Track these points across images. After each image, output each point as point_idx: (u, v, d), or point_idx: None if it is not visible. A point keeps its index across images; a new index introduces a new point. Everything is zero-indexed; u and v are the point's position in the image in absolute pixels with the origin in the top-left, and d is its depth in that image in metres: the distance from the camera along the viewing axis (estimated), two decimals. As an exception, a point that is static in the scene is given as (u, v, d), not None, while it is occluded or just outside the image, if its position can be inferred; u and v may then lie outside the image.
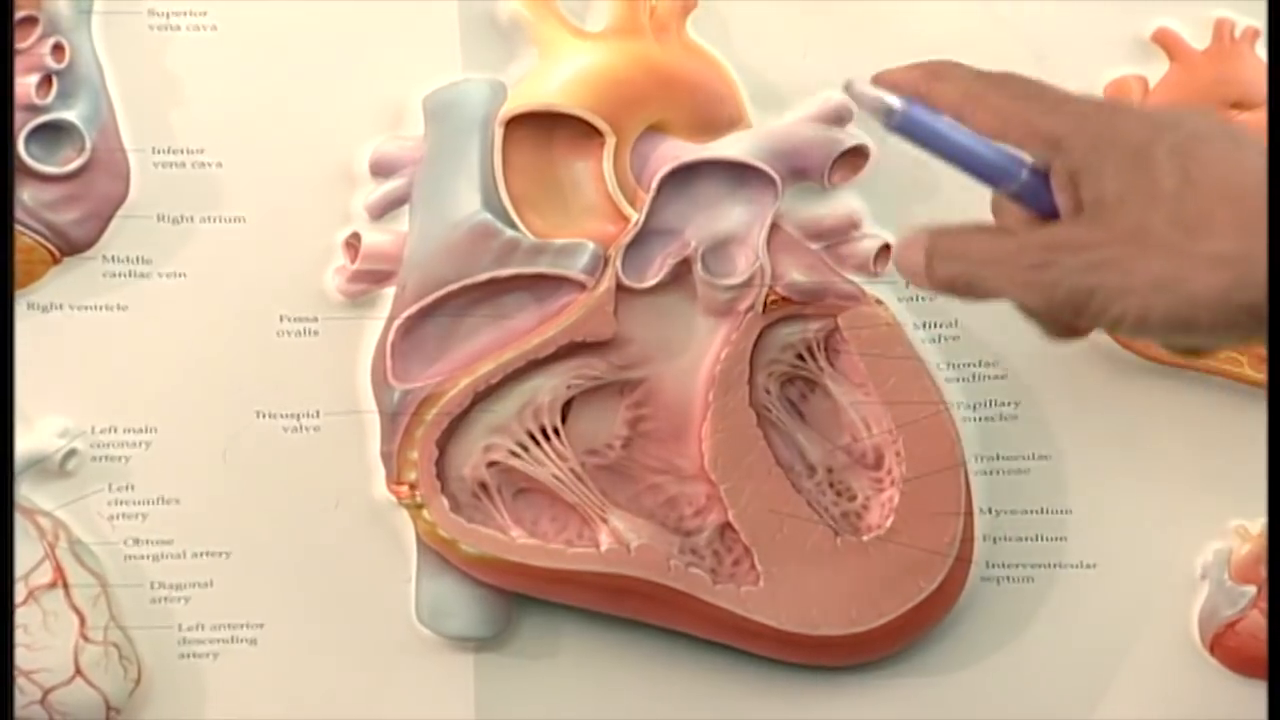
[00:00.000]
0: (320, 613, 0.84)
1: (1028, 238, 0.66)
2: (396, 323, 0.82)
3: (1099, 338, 0.85)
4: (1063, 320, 0.66)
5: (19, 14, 0.82)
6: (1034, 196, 0.69)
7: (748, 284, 0.83)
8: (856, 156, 0.84)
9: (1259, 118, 0.84)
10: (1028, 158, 0.68)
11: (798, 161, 0.84)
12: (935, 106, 0.69)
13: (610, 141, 0.83)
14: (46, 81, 0.82)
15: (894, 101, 0.70)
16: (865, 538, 0.83)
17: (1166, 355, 0.85)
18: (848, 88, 0.70)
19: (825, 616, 0.82)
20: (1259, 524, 0.84)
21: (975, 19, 0.85)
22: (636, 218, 0.83)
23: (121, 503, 0.84)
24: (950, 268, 0.67)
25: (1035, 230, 0.67)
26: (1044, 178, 0.68)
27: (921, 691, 0.85)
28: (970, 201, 0.85)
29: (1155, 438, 0.85)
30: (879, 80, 0.70)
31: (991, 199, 0.70)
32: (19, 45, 0.82)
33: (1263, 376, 0.84)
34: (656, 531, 0.83)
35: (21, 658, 0.81)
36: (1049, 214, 0.67)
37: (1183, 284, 0.62)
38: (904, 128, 0.70)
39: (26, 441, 0.83)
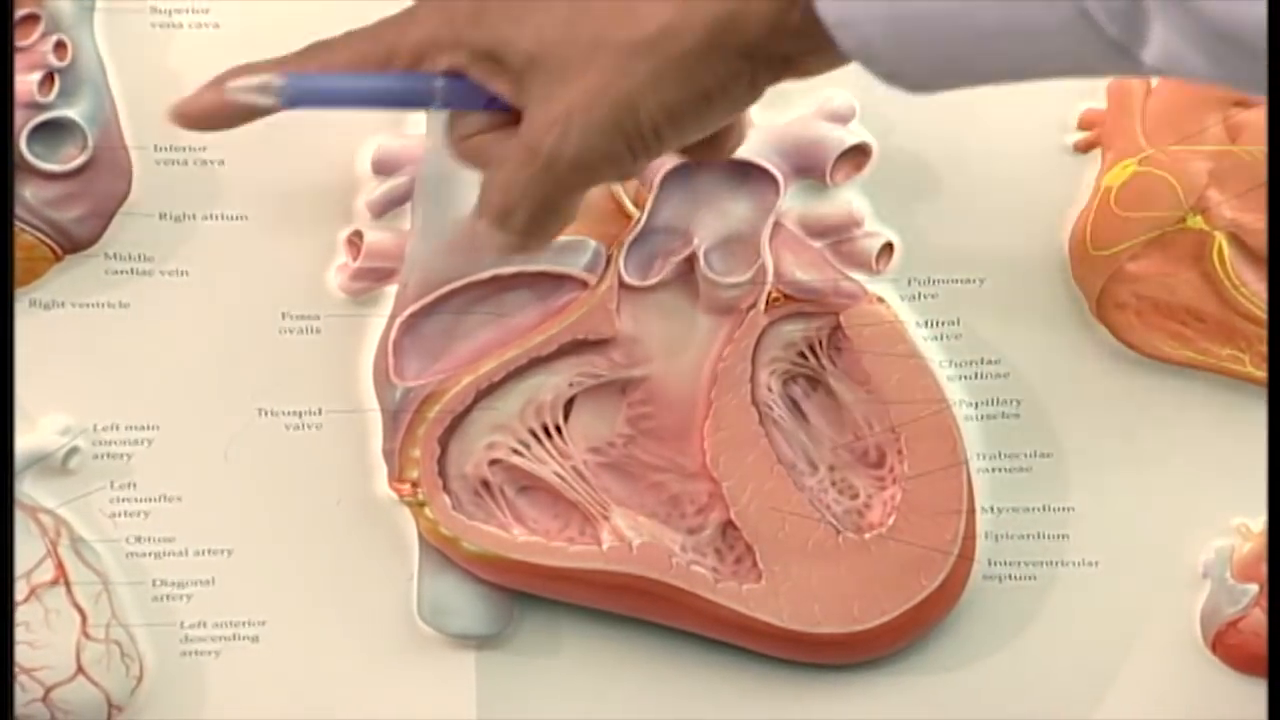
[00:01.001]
0: (322, 610, 0.84)
1: (523, 127, 0.64)
2: (398, 320, 0.82)
3: (1101, 336, 0.85)
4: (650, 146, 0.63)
5: (21, 11, 0.81)
6: (462, 99, 0.67)
7: (750, 282, 0.83)
8: (859, 154, 0.84)
9: (1260, 115, 0.84)
10: (431, 72, 0.66)
11: (800, 159, 0.84)
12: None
13: (612, 139, 0.83)
14: (48, 79, 0.82)
15: (274, 79, 0.68)
16: (867, 536, 0.83)
17: (1170, 353, 0.85)
18: (228, 92, 0.68)
19: (827, 614, 0.82)
20: (1261, 522, 0.84)
21: (977, 17, 0.85)
22: (639, 215, 0.83)
23: (123, 500, 0.84)
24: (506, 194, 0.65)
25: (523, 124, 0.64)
26: (460, 78, 0.66)
27: (924, 689, 0.85)
28: (970, 201, 0.85)
29: (1157, 435, 0.85)
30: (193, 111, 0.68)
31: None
32: (21, 43, 0.82)
33: (1264, 374, 0.84)
34: (658, 529, 0.83)
35: (23, 655, 0.81)
36: (485, 105, 0.66)
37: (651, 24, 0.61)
38: (296, 97, 0.68)
39: (28, 439, 0.83)
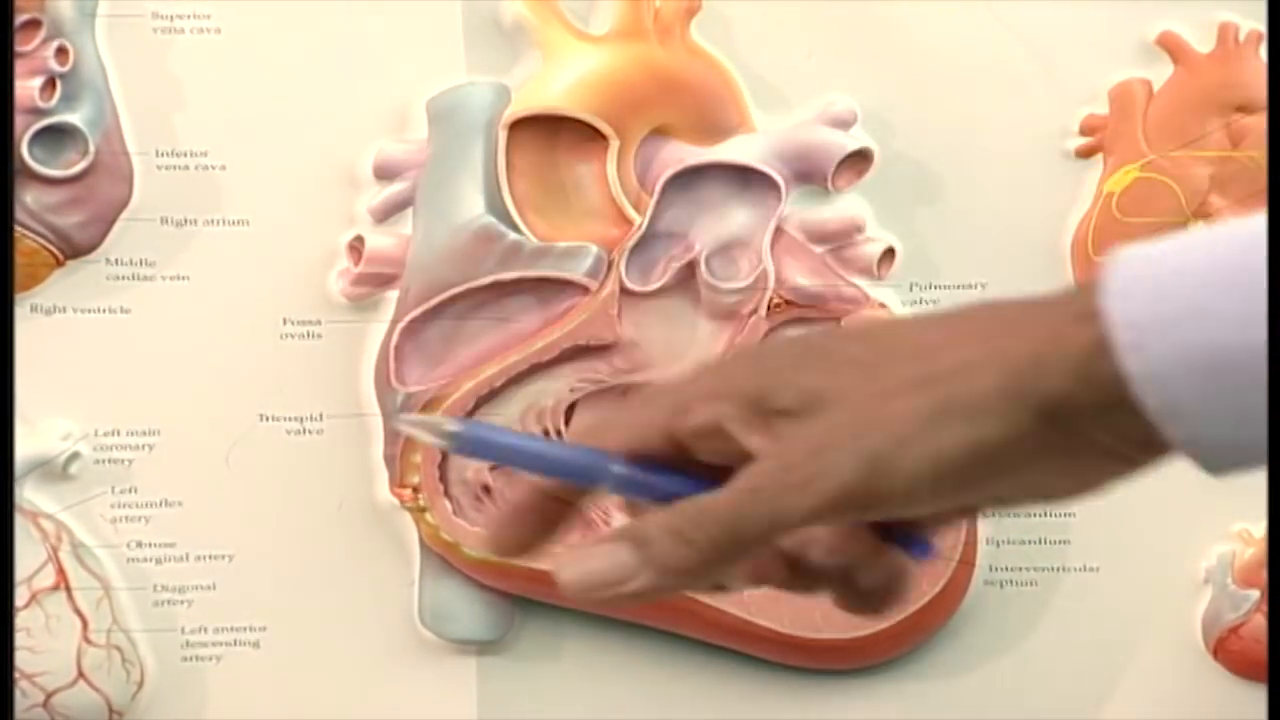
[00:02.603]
0: (323, 616, 0.84)
1: (751, 467, 0.55)
2: (400, 326, 0.82)
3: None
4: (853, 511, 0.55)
5: (23, 17, 0.81)
6: (633, 486, 0.60)
7: (751, 287, 0.83)
8: (860, 160, 0.84)
9: (1261, 121, 0.84)
10: (613, 455, 0.59)
11: (802, 165, 0.84)
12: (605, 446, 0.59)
13: (614, 145, 0.83)
14: (50, 84, 0.82)
15: (450, 425, 0.62)
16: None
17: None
18: (398, 422, 0.69)
19: (828, 620, 0.82)
20: (1262, 528, 0.84)
21: (978, 23, 0.85)
22: (640, 221, 0.83)
23: (124, 505, 0.84)
24: (683, 536, 0.56)
25: (750, 463, 0.55)
26: (639, 465, 0.59)
27: (925, 695, 0.85)
28: (972, 206, 0.85)
29: (1159, 442, 0.85)
30: None
31: None
32: (23, 48, 0.81)
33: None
34: (659, 535, 0.83)
35: (24, 660, 0.81)
36: (660, 498, 0.58)
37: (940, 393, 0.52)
38: (467, 447, 0.63)
39: (29, 444, 0.83)
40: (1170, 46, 0.85)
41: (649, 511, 0.58)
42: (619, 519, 0.81)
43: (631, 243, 0.83)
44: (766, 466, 0.54)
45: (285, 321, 0.84)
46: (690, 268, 0.83)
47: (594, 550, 0.57)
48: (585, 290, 0.82)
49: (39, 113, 0.82)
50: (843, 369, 0.55)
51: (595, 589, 0.57)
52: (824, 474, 0.53)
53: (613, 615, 0.83)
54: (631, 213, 0.83)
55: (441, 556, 0.83)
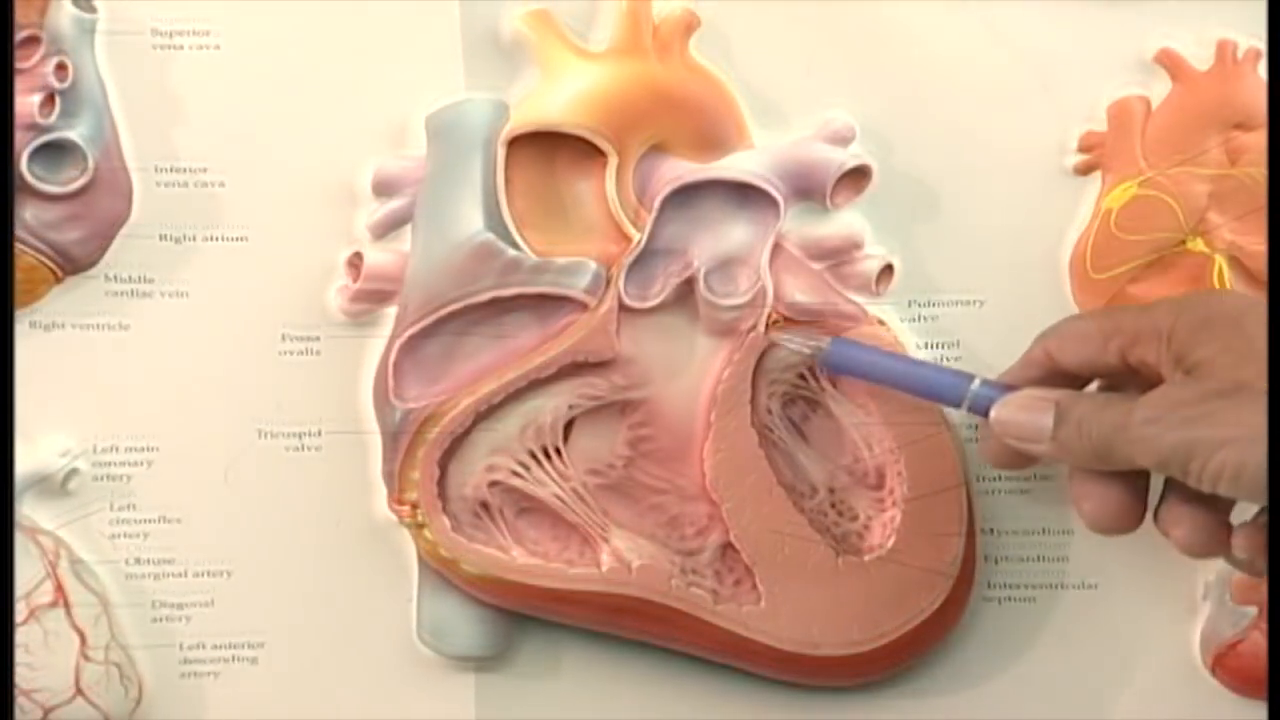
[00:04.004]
0: (321, 632, 0.84)
1: (1141, 400, 0.70)
2: (398, 342, 0.82)
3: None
4: (1176, 478, 0.69)
5: (22, 33, 0.82)
6: (988, 406, 0.75)
7: (750, 304, 0.83)
8: (859, 176, 0.84)
9: (1261, 138, 0.84)
10: (972, 374, 0.76)
11: (800, 181, 0.84)
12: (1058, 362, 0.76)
13: (613, 161, 0.83)
14: (49, 100, 0.82)
15: (821, 341, 0.78)
16: (867, 557, 0.83)
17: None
18: (773, 337, 0.80)
19: (826, 636, 0.82)
20: (1261, 545, 0.84)
21: (978, 38, 0.85)
22: (639, 237, 0.83)
23: (123, 521, 0.84)
24: (1078, 432, 0.72)
25: (1148, 394, 0.70)
26: (996, 388, 0.76)
27: (923, 711, 0.85)
28: (970, 223, 0.85)
29: (1157, 458, 0.85)
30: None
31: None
32: (22, 64, 0.82)
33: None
34: (658, 551, 0.83)
35: (22, 677, 0.81)
36: None
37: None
38: (837, 362, 0.78)
39: (28, 460, 0.83)
40: (1169, 63, 0.85)
41: (1086, 393, 0.74)
42: (617, 534, 0.82)
43: (630, 259, 0.83)
44: (1165, 415, 0.68)
45: (284, 337, 0.84)
46: (689, 284, 0.83)
47: (1029, 402, 0.74)
48: (584, 306, 0.83)
49: (38, 128, 0.82)
50: (1251, 358, 0.68)
51: (1010, 436, 0.74)
52: (1207, 450, 0.67)
53: (611, 632, 0.83)
54: (630, 229, 0.83)
55: (440, 573, 0.83)
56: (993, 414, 0.76)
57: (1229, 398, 0.68)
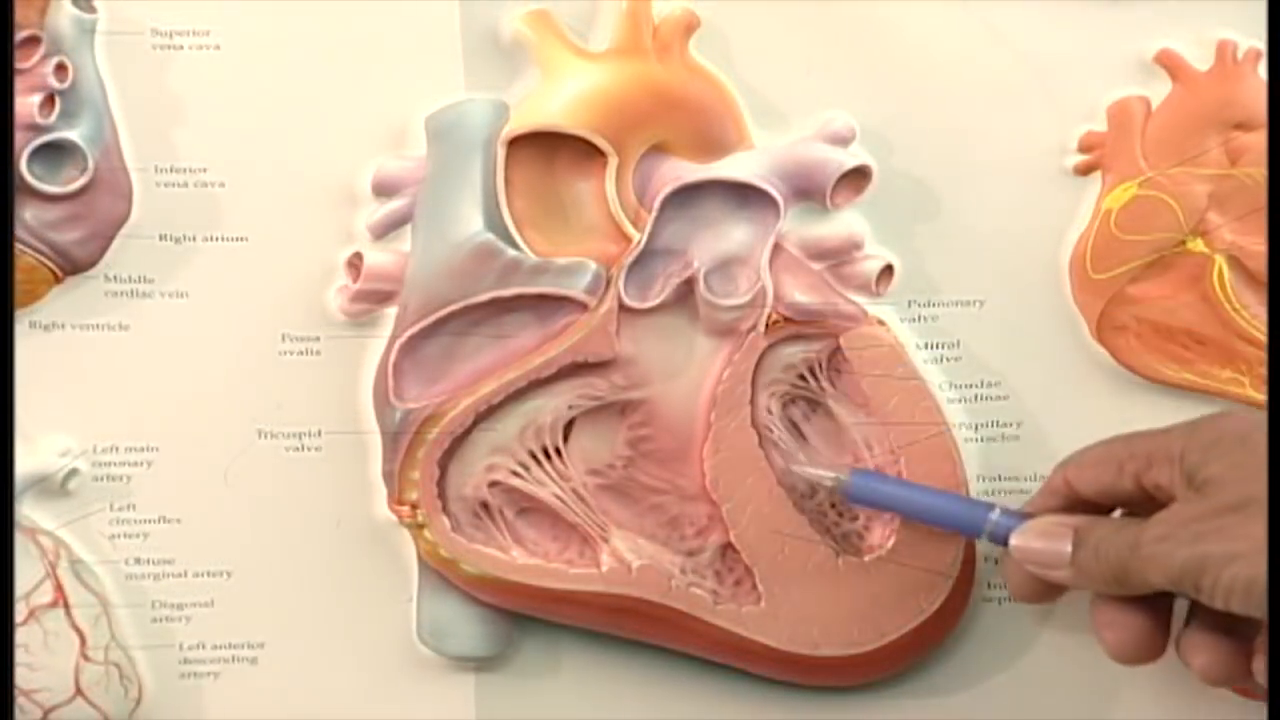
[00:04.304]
0: (321, 632, 0.84)
1: (1152, 519, 0.71)
2: (398, 342, 0.82)
3: (1101, 358, 0.85)
4: (1190, 595, 0.70)
5: (22, 33, 0.82)
6: (1007, 534, 0.76)
7: (750, 304, 0.83)
8: (859, 177, 0.84)
9: (1261, 139, 0.84)
10: (992, 503, 0.78)
11: (800, 182, 0.84)
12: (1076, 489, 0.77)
13: (612, 161, 0.83)
14: (49, 101, 0.82)
15: (840, 472, 0.80)
16: (867, 558, 0.83)
17: (1171, 376, 0.85)
18: (793, 468, 0.81)
19: (826, 637, 0.82)
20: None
21: (977, 40, 0.85)
22: (639, 238, 0.83)
23: (123, 522, 0.84)
24: (1096, 556, 0.73)
25: (1159, 513, 0.71)
26: (1015, 516, 0.77)
27: (923, 712, 0.85)
28: (970, 224, 0.85)
29: (1157, 459, 0.85)
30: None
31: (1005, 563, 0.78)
32: (22, 65, 0.82)
33: (1264, 397, 0.84)
34: (658, 551, 0.83)
35: (22, 677, 0.81)
36: None
37: None
38: (857, 493, 0.80)
39: (28, 460, 0.83)
40: (1169, 64, 0.85)
41: (1103, 517, 0.75)
42: (617, 534, 0.82)
43: (630, 259, 0.83)
44: (1176, 532, 0.69)
45: (284, 338, 0.84)
46: (689, 284, 0.83)
47: (1048, 529, 0.75)
48: (584, 307, 0.83)
49: (38, 129, 0.82)
50: (1259, 475, 0.69)
51: (1030, 562, 0.75)
52: (1217, 565, 0.68)
53: (611, 633, 0.83)
54: (630, 229, 0.83)
55: (440, 573, 0.83)
56: (1012, 541, 0.76)
57: (1238, 512, 0.68)
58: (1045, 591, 0.77)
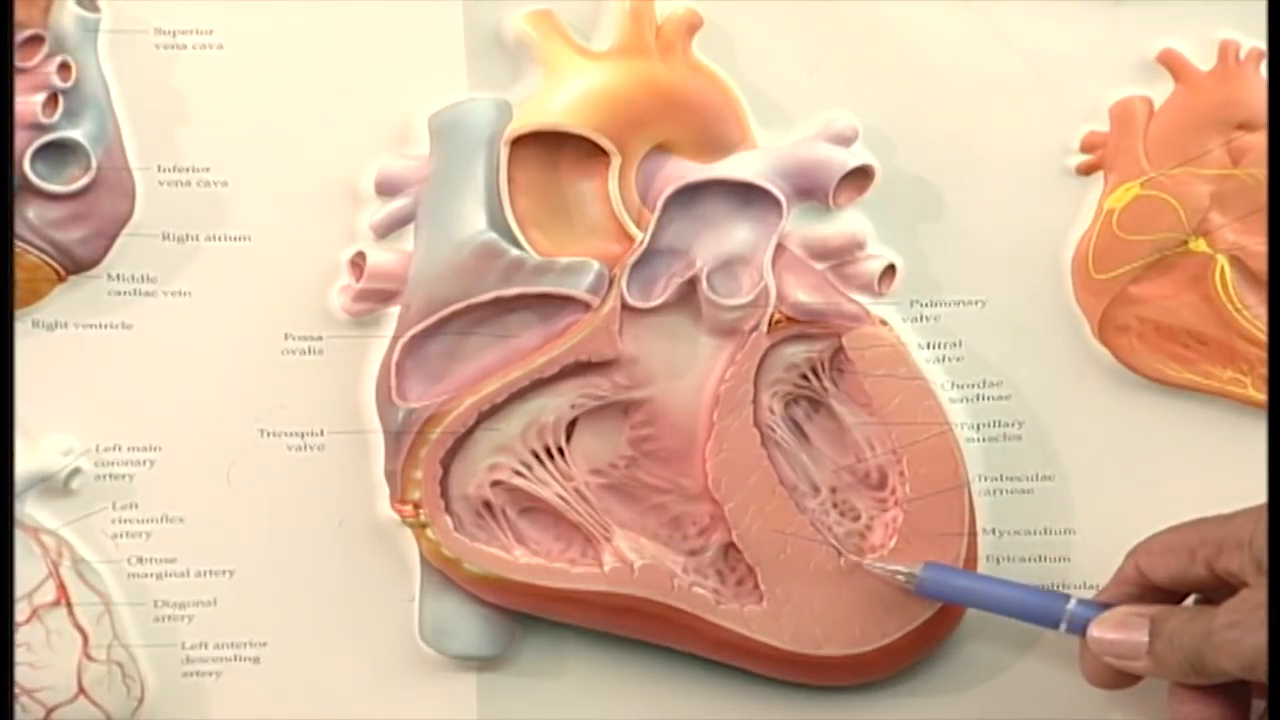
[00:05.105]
0: (323, 631, 0.84)
1: (1224, 606, 0.71)
2: (401, 341, 0.82)
3: (1103, 358, 0.85)
4: (1262, 681, 0.70)
5: (25, 33, 0.82)
6: (1084, 625, 0.76)
7: (753, 304, 0.83)
8: (862, 177, 0.84)
9: (1262, 139, 0.84)
10: (1067, 594, 0.78)
11: (803, 182, 0.84)
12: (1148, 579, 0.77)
13: (616, 161, 0.83)
14: (52, 100, 0.82)
15: (914, 569, 0.80)
16: (869, 558, 0.83)
17: (1172, 376, 0.85)
18: (866, 564, 0.81)
19: (828, 636, 0.82)
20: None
21: (980, 40, 0.85)
22: (642, 237, 0.83)
23: (125, 521, 0.84)
24: (1171, 645, 0.73)
25: (1230, 599, 0.71)
26: (1091, 606, 0.77)
27: (923, 712, 0.85)
28: (972, 223, 0.85)
29: (1159, 458, 0.85)
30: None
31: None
32: (25, 64, 0.82)
33: (1266, 397, 0.84)
34: (660, 551, 0.83)
35: (24, 676, 0.81)
36: None
37: None
38: (930, 587, 0.80)
39: (30, 460, 0.83)
40: (1171, 64, 0.85)
41: (1178, 606, 0.75)
42: (619, 534, 0.82)
43: (633, 259, 0.83)
44: (1245, 619, 0.70)
45: (287, 337, 0.84)
46: (692, 284, 0.83)
47: (1124, 619, 0.75)
48: (587, 306, 0.83)
49: (41, 128, 0.82)
50: None
51: (1107, 653, 0.75)
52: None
53: (613, 632, 0.83)
54: (633, 229, 0.83)
55: (442, 572, 0.83)
56: (1090, 633, 0.76)
57: None
58: (1122, 679, 0.77)
